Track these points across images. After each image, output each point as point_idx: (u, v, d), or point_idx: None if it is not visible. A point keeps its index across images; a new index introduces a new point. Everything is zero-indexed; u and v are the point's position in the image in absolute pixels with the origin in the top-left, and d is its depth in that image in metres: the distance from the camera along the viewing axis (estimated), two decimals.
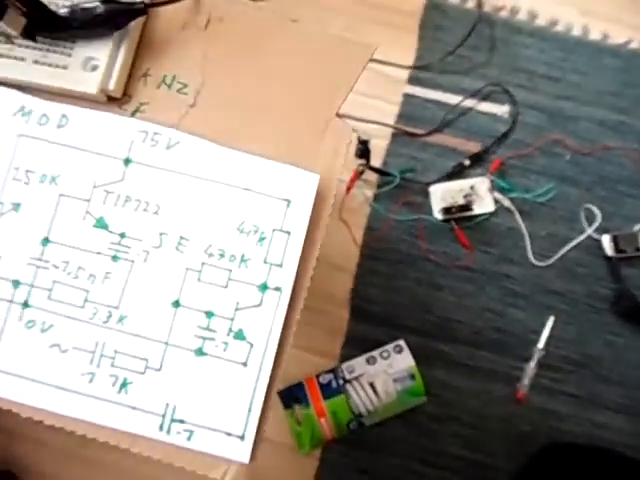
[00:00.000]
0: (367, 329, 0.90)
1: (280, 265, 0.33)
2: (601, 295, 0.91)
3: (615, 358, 0.89)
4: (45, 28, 0.33)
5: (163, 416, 0.33)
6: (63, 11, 0.33)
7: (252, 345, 0.33)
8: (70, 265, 0.34)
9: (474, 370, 0.91)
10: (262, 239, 0.34)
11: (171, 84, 0.36)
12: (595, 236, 0.91)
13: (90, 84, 0.34)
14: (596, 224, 0.91)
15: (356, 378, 0.83)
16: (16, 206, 0.35)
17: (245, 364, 0.33)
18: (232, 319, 0.33)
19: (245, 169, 0.34)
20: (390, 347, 0.86)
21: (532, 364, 0.90)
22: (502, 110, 0.97)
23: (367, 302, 0.91)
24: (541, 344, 0.91)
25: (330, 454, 0.87)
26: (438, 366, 0.90)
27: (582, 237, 0.91)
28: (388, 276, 0.93)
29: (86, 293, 0.34)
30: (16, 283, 0.34)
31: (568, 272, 0.92)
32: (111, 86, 0.35)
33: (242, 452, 0.32)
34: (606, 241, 0.90)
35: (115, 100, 0.36)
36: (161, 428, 0.33)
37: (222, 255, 0.34)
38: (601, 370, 0.89)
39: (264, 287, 0.33)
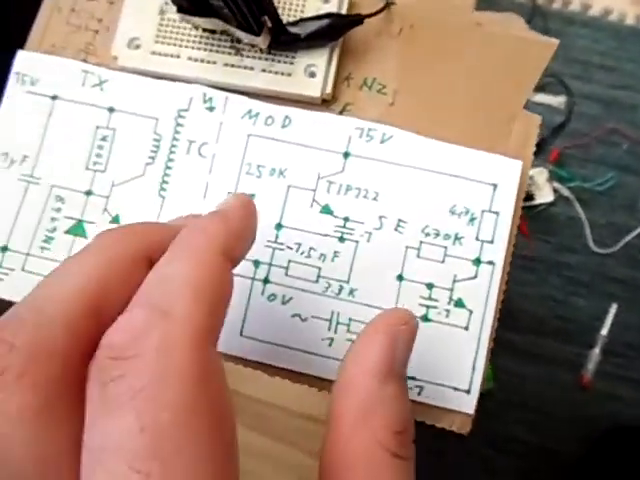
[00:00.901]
0: None
1: (491, 242, 0.41)
2: None
3: None
4: (280, 42, 0.40)
5: None
6: (295, 26, 0.40)
7: (471, 312, 0.40)
8: (302, 246, 0.42)
9: (538, 357, 0.98)
10: (473, 219, 0.41)
11: (371, 86, 0.44)
12: None
13: (313, 89, 0.42)
14: None
15: None
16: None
17: (467, 328, 0.40)
18: (451, 289, 0.41)
19: (453, 158, 0.42)
20: None
21: (597, 350, 0.95)
22: (558, 101, 1.03)
23: None
24: (604, 331, 0.96)
25: None
26: (502, 354, 0.97)
27: None
28: None
29: (318, 270, 0.42)
30: (256, 263, 0.42)
31: (629, 259, 0.98)
32: (328, 90, 0.43)
33: (468, 404, 0.40)
34: None
35: (325, 102, 0.43)
36: None
37: (437, 234, 0.41)
38: None
39: (478, 261, 0.41)
